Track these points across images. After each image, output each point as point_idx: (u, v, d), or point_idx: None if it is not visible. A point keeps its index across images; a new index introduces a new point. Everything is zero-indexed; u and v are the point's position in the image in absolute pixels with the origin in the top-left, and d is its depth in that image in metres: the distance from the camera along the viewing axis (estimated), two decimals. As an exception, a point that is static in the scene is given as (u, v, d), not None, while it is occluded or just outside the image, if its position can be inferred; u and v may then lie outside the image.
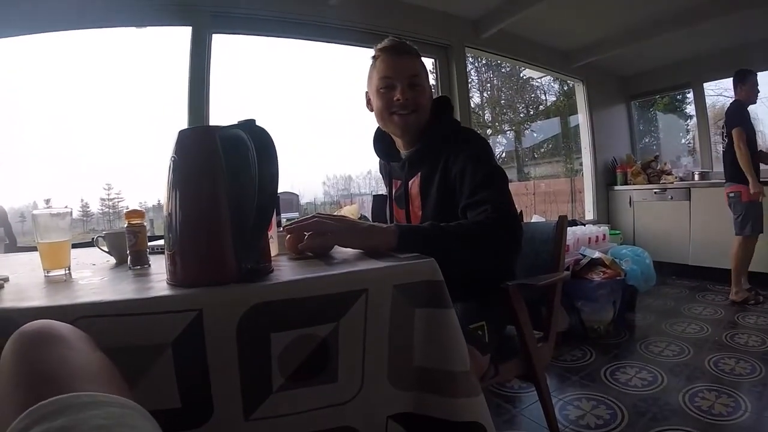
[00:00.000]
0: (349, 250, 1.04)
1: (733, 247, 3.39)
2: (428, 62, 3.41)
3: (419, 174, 1.40)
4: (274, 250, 1.04)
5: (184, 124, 2.55)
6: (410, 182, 1.44)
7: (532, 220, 3.12)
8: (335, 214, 1.06)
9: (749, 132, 3.26)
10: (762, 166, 3.40)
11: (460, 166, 1.25)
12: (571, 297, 2.76)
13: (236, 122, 0.76)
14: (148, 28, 2.62)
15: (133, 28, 2.57)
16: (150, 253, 1.08)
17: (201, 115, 2.54)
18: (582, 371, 2.32)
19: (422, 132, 1.38)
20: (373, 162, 1.69)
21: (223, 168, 0.73)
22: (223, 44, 2.73)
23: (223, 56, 2.72)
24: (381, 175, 1.66)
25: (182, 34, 2.59)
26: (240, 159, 0.73)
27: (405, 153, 1.46)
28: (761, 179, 3.26)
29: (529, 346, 1.43)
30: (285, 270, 0.85)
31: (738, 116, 3.31)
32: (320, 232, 0.99)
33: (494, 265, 1.25)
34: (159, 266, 0.95)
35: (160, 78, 2.87)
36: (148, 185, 3.03)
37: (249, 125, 0.74)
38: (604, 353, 2.53)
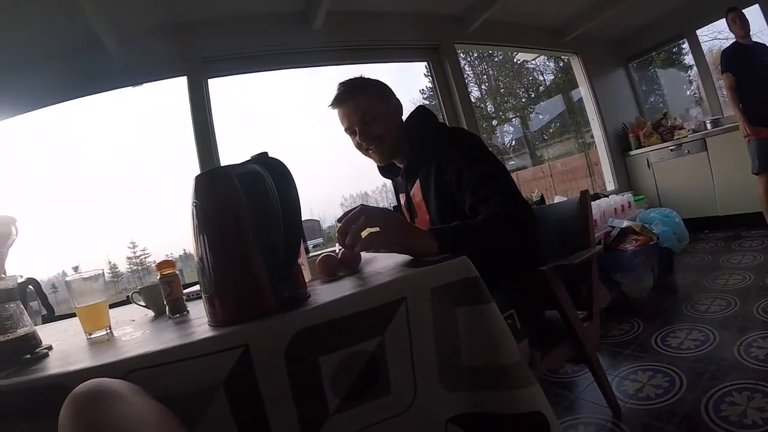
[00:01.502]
0: (379, 262, 1.05)
1: (758, 188, 3.32)
2: (421, 65, 3.41)
3: (417, 182, 1.46)
4: (306, 275, 1.05)
5: (196, 170, 2.60)
6: (412, 192, 1.50)
7: (554, 202, 3.09)
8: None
9: (743, 73, 3.21)
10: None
11: (456, 166, 1.28)
12: (608, 271, 2.71)
13: (249, 158, 0.77)
14: (144, 85, 2.70)
15: (130, 87, 2.65)
16: (187, 300, 1.10)
17: (211, 157, 2.60)
18: (632, 344, 2.26)
19: (409, 144, 1.46)
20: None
21: (244, 204, 0.75)
22: (220, 86, 2.80)
23: (223, 97, 2.79)
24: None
25: (179, 84, 2.66)
26: (260, 193, 0.74)
27: (402, 166, 1.52)
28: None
29: (576, 328, 1.41)
30: (321, 293, 0.86)
31: (725, 61, 3.30)
32: (371, 223, 0.99)
33: (521, 249, 1.24)
34: (198, 311, 0.96)
35: (166, 129, 2.94)
36: (171, 237, 3.09)
37: (263, 158, 0.76)
38: (651, 321, 2.46)
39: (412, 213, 1.52)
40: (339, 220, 1.04)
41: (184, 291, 1.13)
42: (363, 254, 1.18)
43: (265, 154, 0.77)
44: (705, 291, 2.72)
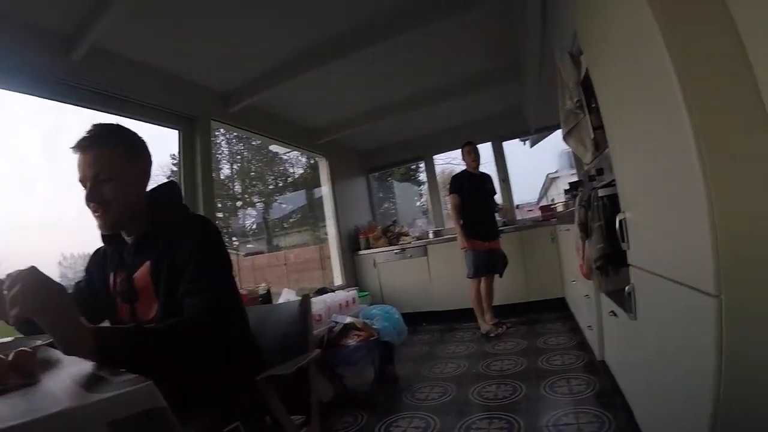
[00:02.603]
0: (65, 368, 0.81)
1: (471, 289, 4.04)
2: (173, 134, 3.14)
3: (148, 263, 1.25)
4: None
5: None
6: (136, 274, 1.27)
7: (282, 295, 3.10)
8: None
9: (467, 196, 4.01)
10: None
11: (187, 254, 1.18)
12: (330, 365, 2.77)
13: None
14: None
15: None
16: None
17: None
18: (357, 436, 2.30)
19: (146, 220, 1.28)
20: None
21: None
22: None
23: None
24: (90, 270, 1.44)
25: None
26: None
27: (129, 239, 1.30)
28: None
29: (291, 439, 1.35)
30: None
31: (454, 184, 4.12)
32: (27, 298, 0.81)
33: (212, 360, 1.14)
34: None
35: None
36: None
37: None
38: (374, 412, 2.56)
39: (130, 297, 1.27)
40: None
41: None
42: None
43: None
44: (424, 379, 3.00)
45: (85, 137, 1.20)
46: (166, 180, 1.40)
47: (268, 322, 1.67)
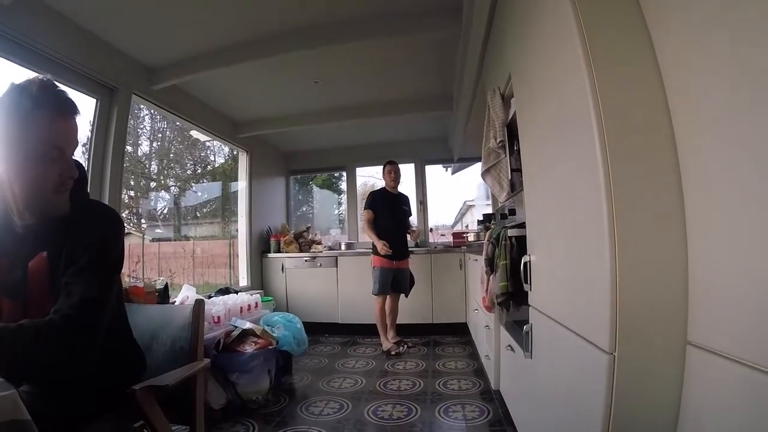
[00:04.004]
0: None
1: (375, 305, 4.05)
2: (90, 102, 2.84)
3: (45, 254, 1.08)
4: None
5: None
6: (30, 265, 1.09)
7: (181, 291, 2.91)
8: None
9: (382, 213, 4.07)
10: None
11: (85, 245, 1.07)
12: (224, 370, 2.65)
13: None
14: None
15: None
16: None
17: None
18: (243, 448, 2.21)
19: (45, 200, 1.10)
20: None
21: None
22: None
23: None
24: None
25: None
26: None
27: (21, 224, 1.11)
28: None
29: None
30: None
31: (369, 200, 4.15)
32: None
33: (72, 369, 1.01)
34: None
35: None
36: None
37: None
38: (266, 423, 2.48)
39: (18, 293, 1.09)
40: None
41: None
42: None
43: None
44: (320, 393, 2.95)
45: (69, 99, 1.07)
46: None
47: (158, 323, 1.56)
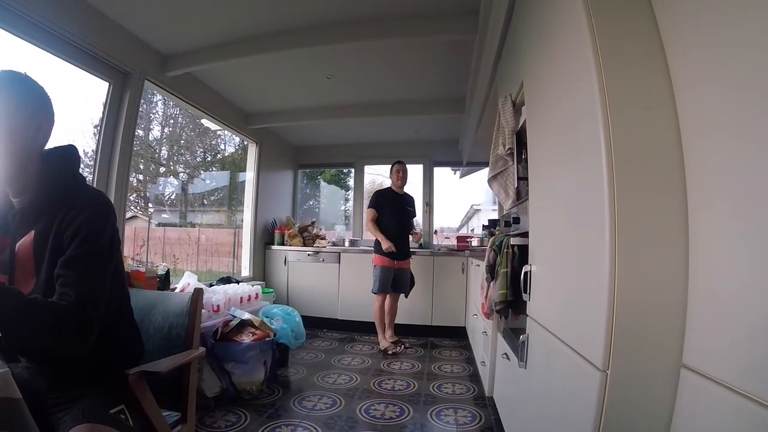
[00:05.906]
0: None
1: (374, 304, 4.07)
2: (103, 85, 2.85)
3: (32, 233, 1.13)
4: None
5: None
6: (19, 244, 1.14)
7: (183, 278, 2.93)
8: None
9: (386, 213, 4.08)
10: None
11: (73, 231, 1.09)
12: (220, 359, 2.67)
13: None
14: None
15: None
16: None
17: None
18: (236, 438, 2.22)
19: (38, 184, 1.15)
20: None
21: None
22: None
23: None
24: None
25: None
26: None
27: (16, 202, 1.16)
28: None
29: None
30: None
31: (374, 199, 4.16)
32: None
33: (66, 351, 1.04)
34: None
35: None
36: None
37: None
38: (258, 414, 2.49)
39: (11, 266, 1.14)
40: None
41: None
42: None
43: None
44: (314, 388, 2.95)
45: None
46: (65, 144, 1.24)
47: (157, 309, 1.58)
